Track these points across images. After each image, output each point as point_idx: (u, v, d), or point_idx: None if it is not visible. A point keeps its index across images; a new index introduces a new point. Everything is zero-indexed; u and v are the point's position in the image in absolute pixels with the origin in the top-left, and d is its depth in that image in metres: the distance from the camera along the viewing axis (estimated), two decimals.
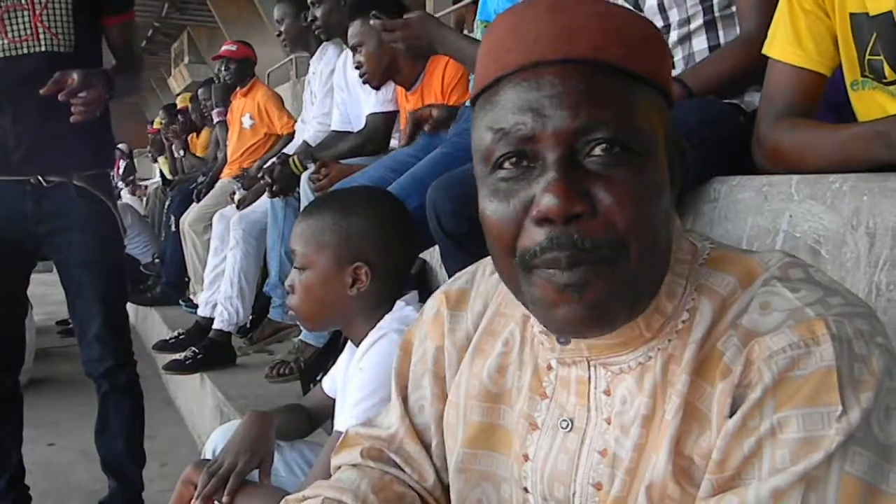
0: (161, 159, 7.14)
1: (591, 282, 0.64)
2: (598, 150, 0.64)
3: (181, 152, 6.18)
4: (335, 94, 3.22)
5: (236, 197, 3.57)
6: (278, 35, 3.68)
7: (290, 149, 3.56)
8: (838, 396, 0.59)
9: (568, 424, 0.74)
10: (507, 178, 0.67)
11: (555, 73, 0.64)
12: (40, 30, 1.96)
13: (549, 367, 0.77)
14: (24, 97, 1.93)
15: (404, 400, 0.90)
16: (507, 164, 0.66)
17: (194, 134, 6.39)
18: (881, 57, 1.16)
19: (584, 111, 0.63)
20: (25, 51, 1.96)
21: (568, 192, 0.62)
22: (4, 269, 2.08)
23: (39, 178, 2.00)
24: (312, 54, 3.63)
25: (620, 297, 0.66)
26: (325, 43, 3.50)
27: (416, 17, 1.91)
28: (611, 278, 0.64)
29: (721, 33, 1.52)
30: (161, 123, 6.74)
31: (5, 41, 1.95)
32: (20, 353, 2.25)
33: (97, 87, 1.85)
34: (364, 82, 2.64)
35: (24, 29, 1.95)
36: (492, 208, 0.68)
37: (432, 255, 2.07)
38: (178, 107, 6.73)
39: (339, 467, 0.92)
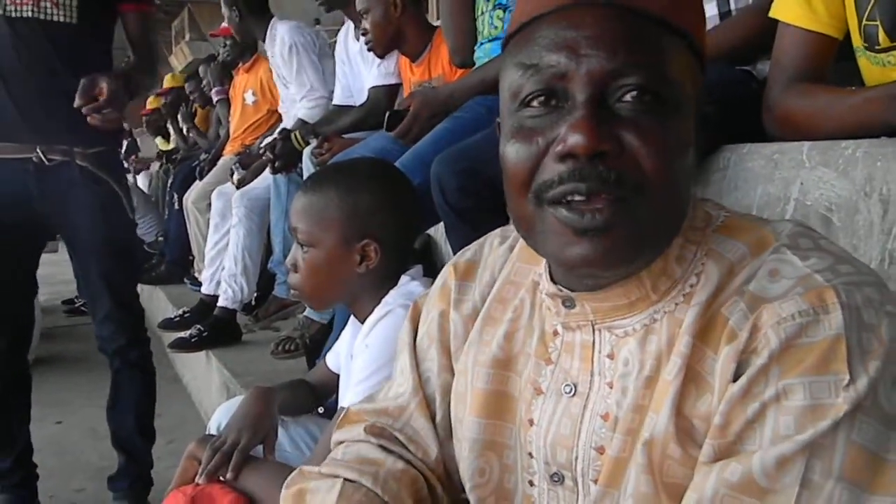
0: (159, 139, 7.10)
1: (610, 227, 0.63)
2: (628, 97, 0.63)
3: (187, 126, 6.13)
4: (336, 68, 3.18)
5: (235, 177, 3.54)
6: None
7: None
8: (846, 365, 0.58)
9: (571, 389, 0.74)
10: (533, 117, 0.66)
11: (595, 15, 0.64)
12: None
13: (555, 333, 0.77)
14: (20, 61, 1.92)
15: (416, 369, 0.89)
16: (534, 103, 0.66)
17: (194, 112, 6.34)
18: (877, 22, 1.14)
19: (620, 54, 0.63)
20: (24, 13, 1.92)
21: (595, 130, 0.62)
22: (12, 252, 2.07)
23: (41, 155, 1.97)
24: (263, 40, 3.56)
25: (637, 240, 0.65)
26: (271, 23, 3.45)
27: (416, 102, 2.02)
28: (630, 222, 0.64)
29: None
30: (161, 102, 6.69)
31: (7, 0, 1.92)
32: (29, 334, 2.25)
33: (120, 102, 1.82)
34: (369, 50, 2.61)
35: None
36: (514, 146, 0.67)
37: (437, 230, 2.06)
38: (163, 87, 6.66)
39: (342, 443, 0.91)
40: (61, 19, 1.95)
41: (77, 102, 1.78)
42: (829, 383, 0.58)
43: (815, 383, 0.59)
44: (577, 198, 0.63)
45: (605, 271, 0.68)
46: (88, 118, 1.80)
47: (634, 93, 0.63)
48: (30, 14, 1.92)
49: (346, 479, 0.82)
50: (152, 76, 2.24)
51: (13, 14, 1.92)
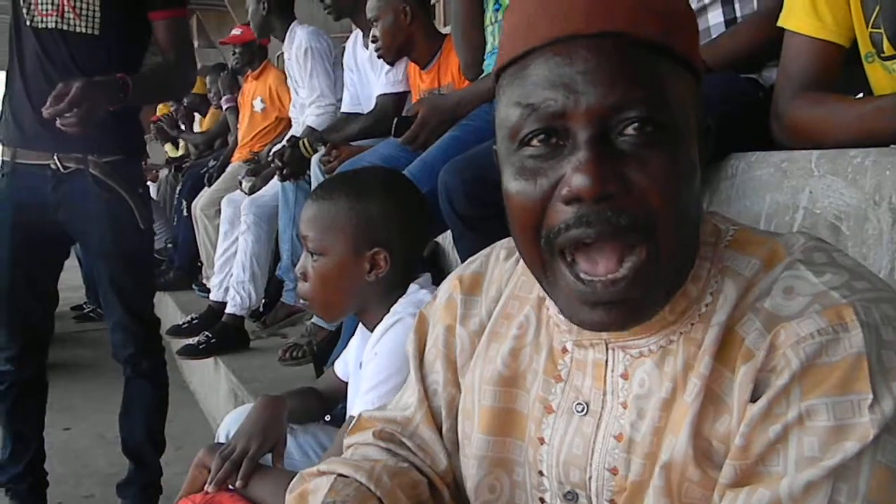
0: (168, 146, 7.13)
1: (626, 299, 0.63)
2: (630, 130, 0.61)
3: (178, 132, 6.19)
4: (345, 75, 3.20)
5: (245, 184, 3.55)
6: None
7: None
8: (869, 385, 0.58)
9: (583, 408, 0.73)
10: (534, 156, 0.64)
11: (588, 48, 0.61)
12: (66, 8, 1.94)
13: (565, 350, 0.76)
14: (42, 72, 1.94)
15: (422, 381, 0.89)
16: (534, 142, 0.64)
17: (200, 116, 6.38)
18: (881, 30, 1.14)
19: (618, 88, 0.61)
20: (48, 25, 1.94)
21: (600, 172, 0.60)
22: (30, 257, 2.07)
23: (57, 162, 1.99)
24: (282, 39, 3.57)
25: (654, 297, 0.65)
26: (292, 25, 3.48)
27: (424, 109, 2.05)
28: (646, 282, 0.63)
29: (737, 6, 1.49)
30: (170, 109, 6.71)
31: (35, 12, 1.95)
32: (44, 341, 2.24)
33: (88, 104, 1.77)
34: (379, 57, 2.63)
35: (51, 3, 1.94)
36: (517, 187, 0.66)
37: (444, 237, 2.06)
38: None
39: (351, 447, 0.91)
40: (83, 30, 1.96)
41: (45, 108, 1.76)
42: (853, 403, 0.58)
43: (837, 404, 0.58)
44: (587, 241, 0.63)
45: (621, 330, 0.68)
46: (60, 123, 1.77)
47: (636, 125, 0.61)
48: (53, 25, 1.94)
49: (339, 475, 0.82)
50: (171, 83, 2.18)
51: (39, 25, 1.95)
